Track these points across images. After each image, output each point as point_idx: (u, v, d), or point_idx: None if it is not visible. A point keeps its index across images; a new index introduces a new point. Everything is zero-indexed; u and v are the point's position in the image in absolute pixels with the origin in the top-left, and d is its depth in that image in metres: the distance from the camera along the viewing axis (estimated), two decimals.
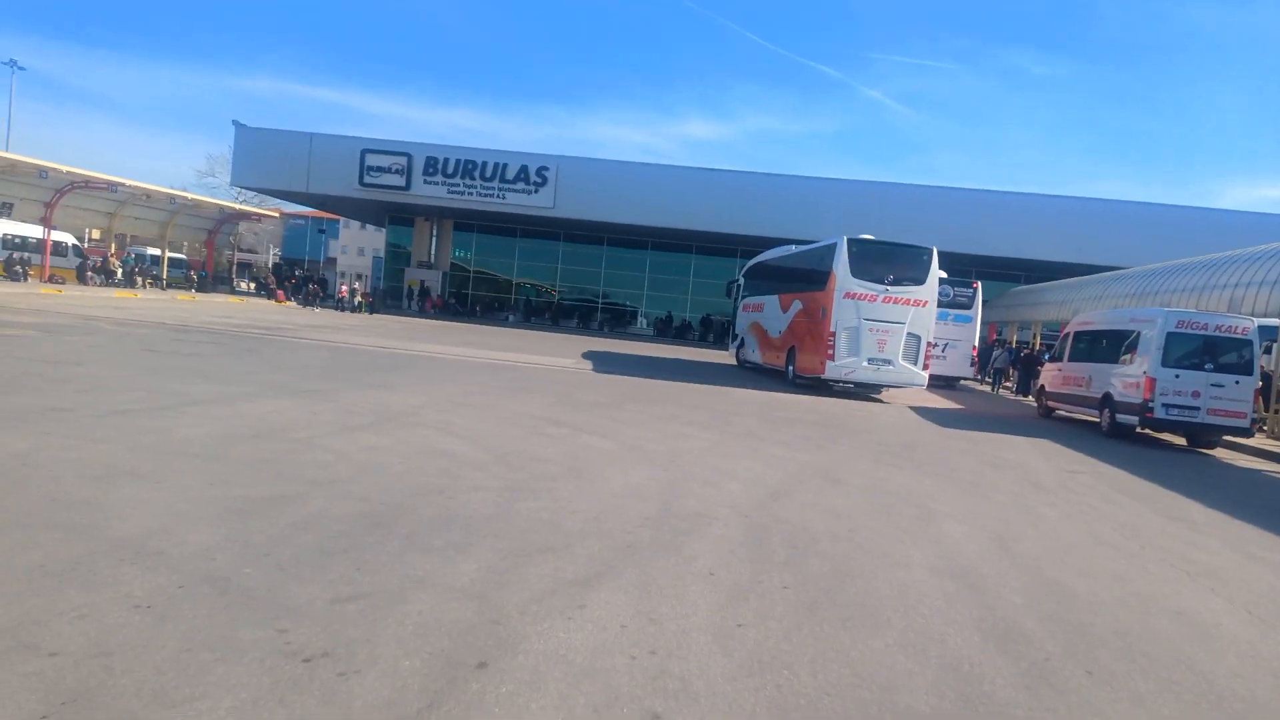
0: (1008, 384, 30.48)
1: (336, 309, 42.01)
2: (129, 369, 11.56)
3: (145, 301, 30.49)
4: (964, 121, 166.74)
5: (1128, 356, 15.64)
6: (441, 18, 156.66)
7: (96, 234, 56.29)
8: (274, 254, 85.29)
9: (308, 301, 43.53)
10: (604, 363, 22.40)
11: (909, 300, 19.01)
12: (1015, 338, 36.50)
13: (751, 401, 16.01)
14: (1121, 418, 15.43)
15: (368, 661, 3.32)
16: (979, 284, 27.51)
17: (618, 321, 49.95)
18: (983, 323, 28.82)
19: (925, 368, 19.29)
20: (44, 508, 4.91)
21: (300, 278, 54.07)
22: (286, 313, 33.31)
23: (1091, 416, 17.24)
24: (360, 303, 42.92)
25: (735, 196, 41.73)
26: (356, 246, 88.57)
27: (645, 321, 50.21)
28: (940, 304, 26.17)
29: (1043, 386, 19.55)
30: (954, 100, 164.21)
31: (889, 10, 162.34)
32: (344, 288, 46.37)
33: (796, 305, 21.69)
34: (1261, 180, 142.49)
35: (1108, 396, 15.87)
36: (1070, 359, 18.11)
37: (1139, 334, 15.42)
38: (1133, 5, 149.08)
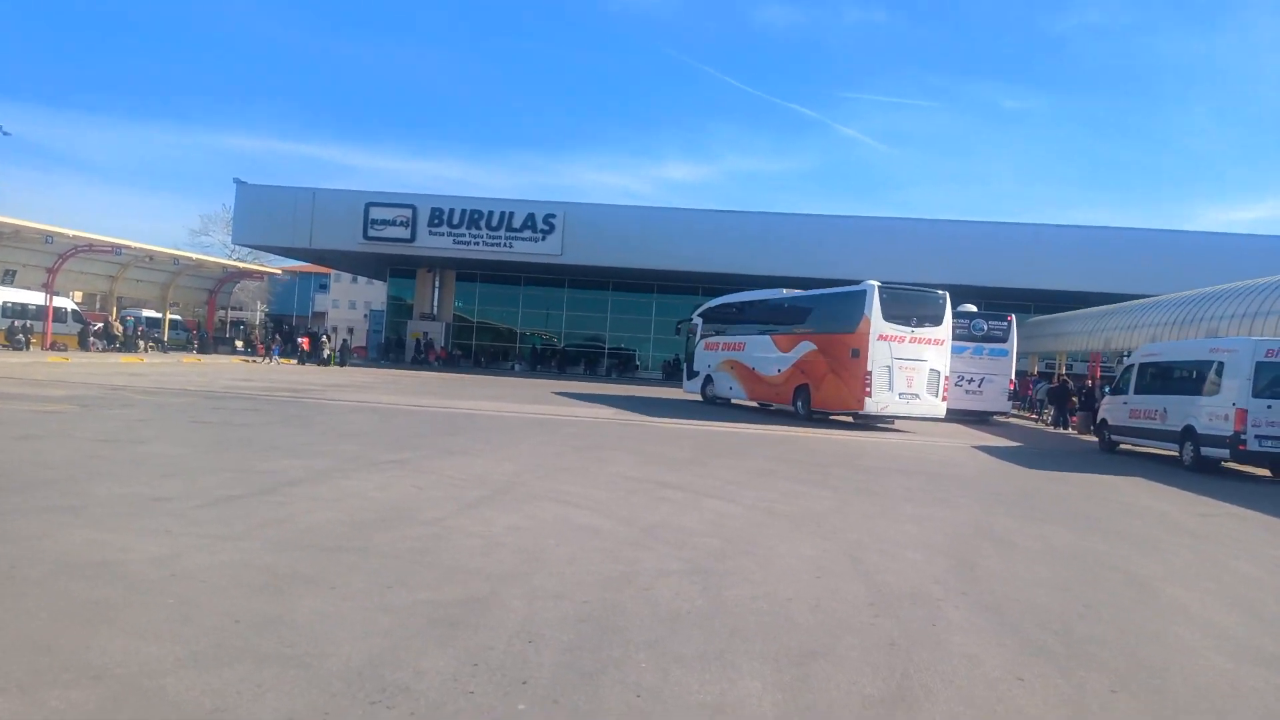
0: (1032, 415, 30.16)
1: (300, 362, 39.32)
2: (194, 445, 10.83)
3: (154, 366, 29.64)
4: (939, 155, 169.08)
5: (1210, 387, 15.17)
6: (414, 69, 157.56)
7: (78, 296, 54.87)
8: (261, 310, 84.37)
9: (271, 354, 41.04)
10: (644, 410, 21.85)
11: (930, 340, 20.48)
12: (1036, 368, 36.23)
13: (820, 449, 15.42)
14: (1208, 451, 14.92)
15: None
16: (1013, 317, 27.18)
17: (625, 367, 49.24)
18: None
19: (943, 399, 20.77)
20: (235, 633, 4.21)
21: (273, 333, 52.53)
22: (300, 373, 32.51)
23: (1166, 451, 16.76)
24: (329, 355, 39.94)
25: (743, 238, 41.53)
26: (348, 300, 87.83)
27: (647, 365, 49.47)
28: (974, 338, 26.19)
29: (1104, 420, 19.07)
30: (928, 135, 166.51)
31: (861, 50, 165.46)
32: (305, 340, 43.05)
33: (806, 345, 22.32)
34: (1234, 203, 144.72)
35: (1189, 430, 15.37)
36: (1137, 391, 17.64)
37: (1221, 364, 14.98)
38: (1100, 37, 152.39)
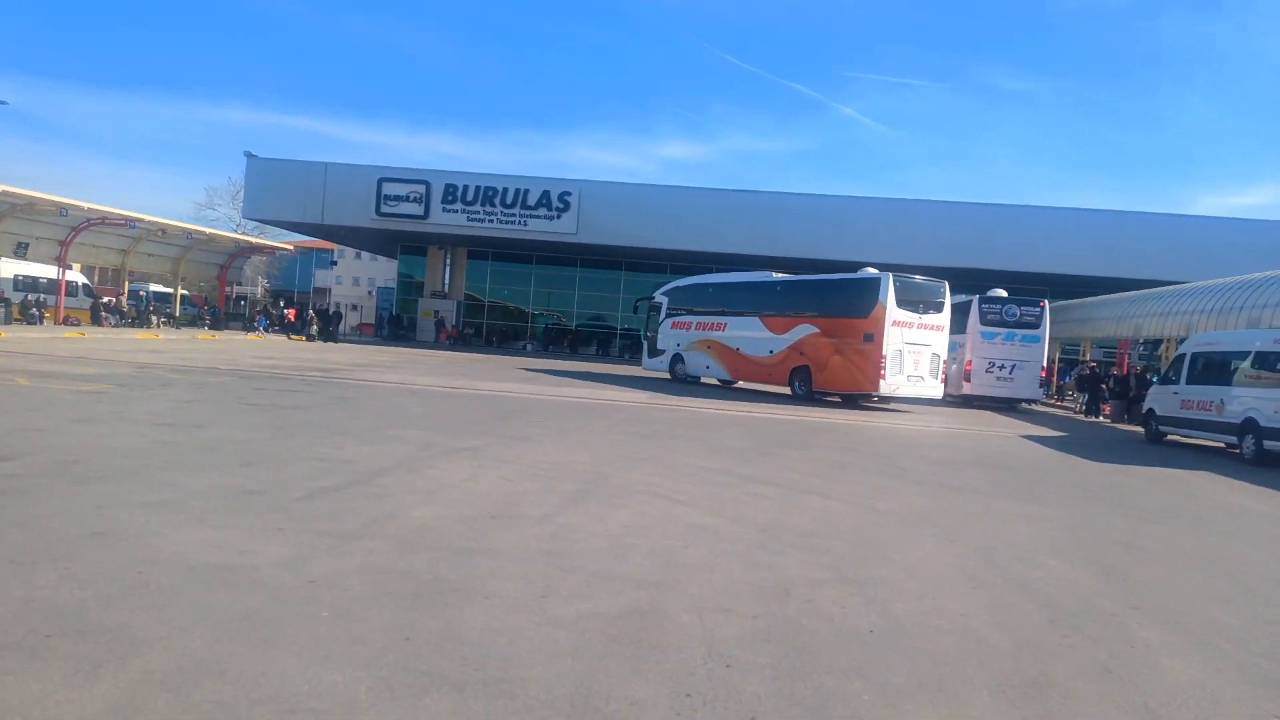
0: (1058, 402, 29.90)
1: (284, 334, 40.87)
2: (255, 429, 10.45)
3: (172, 343, 29.15)
4: (939, 136, 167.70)
5: (1275, 378, 14.86)
6: (412, 43, 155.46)
7: (77, 267, 53.86)
8: (263, 286, 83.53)
9: (258, 326, 42.76)
10: (674, 393, 21.70)
11: (933, 326, 21.82)
12: (1058, 354, 35.93)
13: (876, 438, 15.15)
14: (1271, 444, 14.60)
15: None
16: (1046, 303, 26.83)
17: (637, 348, 48.75)
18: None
19: (941, 382, 22.26)
20: (413, 654, 3.84)
21: (264, 307, 52.88)
22: (318, 350, 32.05)
23: (1217, 442, 16.52)
24: (317, 331, 40.48)
25: (758, 218, 41.18)
26: (352, 276, 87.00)
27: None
28: (1006, 324, 25.93)
29: (1151, 410, 18.79)
30: (929, 116, 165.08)
31: (862, 29, 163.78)
32: (292, 311, 44.63)
33: (806, 328, 23.11)
34: (1231, 188, 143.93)
35: (1251, 422, 15.06)
36: (1189, 381, 17.33)
37: None
38: (1101, 21, 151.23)
